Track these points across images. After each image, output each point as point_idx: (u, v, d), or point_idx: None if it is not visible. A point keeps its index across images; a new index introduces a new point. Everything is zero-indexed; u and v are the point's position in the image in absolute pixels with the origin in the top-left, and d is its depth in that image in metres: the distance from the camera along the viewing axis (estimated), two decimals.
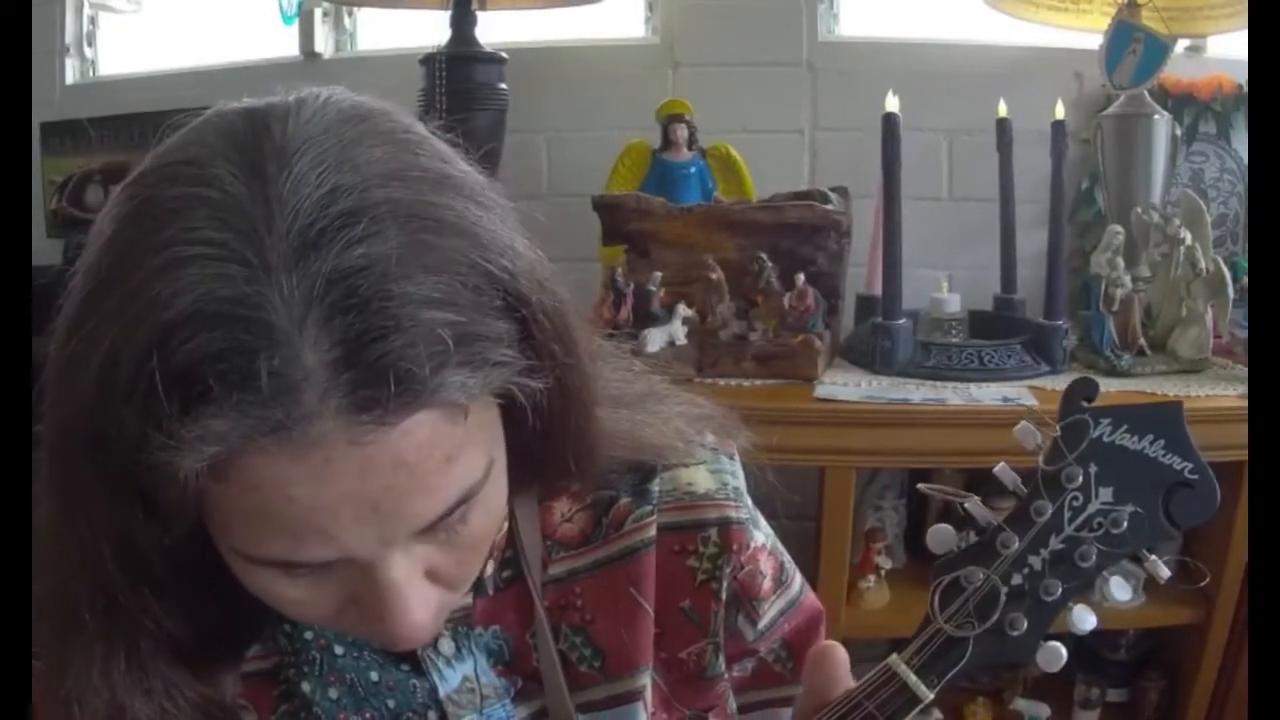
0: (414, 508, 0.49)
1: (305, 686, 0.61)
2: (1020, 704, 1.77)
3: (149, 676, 0.55)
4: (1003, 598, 0.56)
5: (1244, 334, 1.70)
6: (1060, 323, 1.69)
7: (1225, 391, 1.58)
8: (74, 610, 0.54)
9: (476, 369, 0.48)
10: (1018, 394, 1.59)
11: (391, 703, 0.63)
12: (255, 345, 0.44)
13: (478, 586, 0.65)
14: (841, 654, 0.60)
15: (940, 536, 0.57)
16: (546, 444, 0.57)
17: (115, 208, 0.50)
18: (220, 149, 0.49)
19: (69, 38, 2.40)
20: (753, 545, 0.72)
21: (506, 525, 0.66)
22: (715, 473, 0.72)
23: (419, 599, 0.52)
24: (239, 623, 0.59)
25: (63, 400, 0.49)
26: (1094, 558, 0.55)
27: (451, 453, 0.49)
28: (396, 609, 0.51)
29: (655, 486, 0.70)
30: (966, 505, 0.57)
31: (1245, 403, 1.51)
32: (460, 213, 0.50)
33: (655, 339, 1.65)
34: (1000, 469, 0.58)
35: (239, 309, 0.44)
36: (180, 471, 0.45)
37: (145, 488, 0.47)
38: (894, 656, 0.57)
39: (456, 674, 0.64)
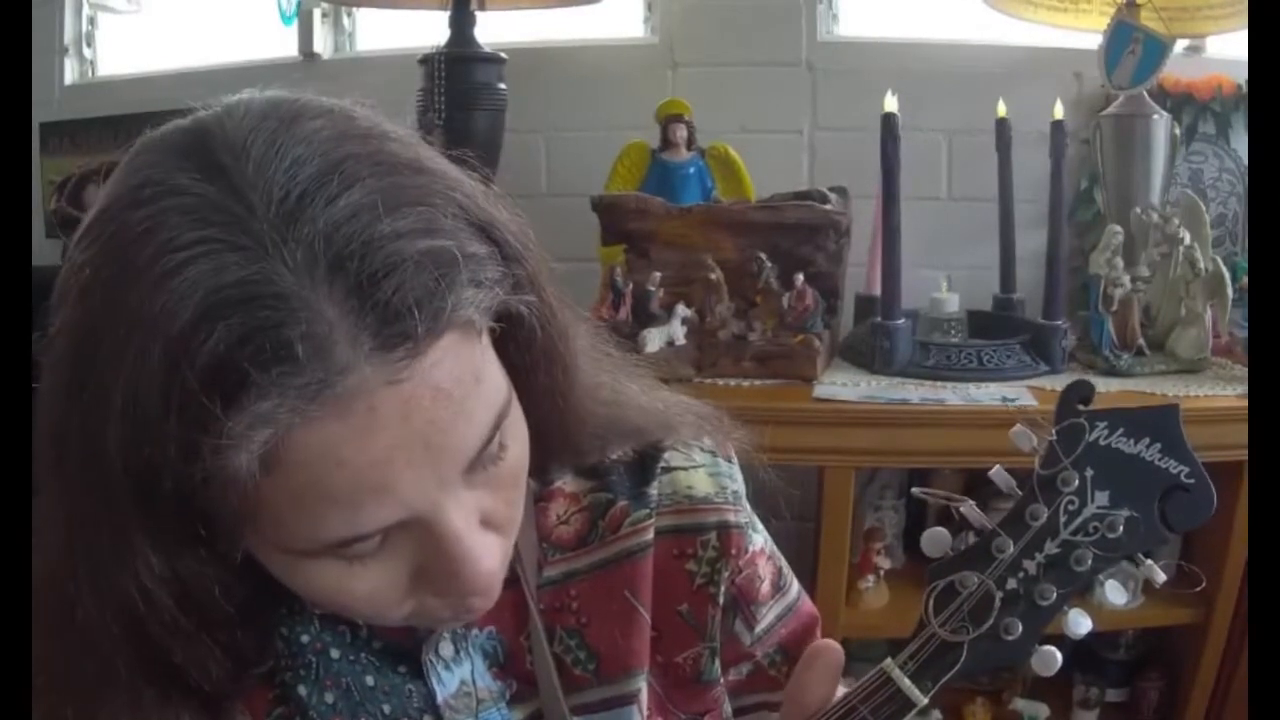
0: (459, 437, 0.50)
1: (301, 690, 0.61)
2: (1019, 704, 1.76)
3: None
4: (997, 602, 0.55)
5: (1243, 334, 1.70)
6: (1059, 323, 1.69)
7: (1224, 391, 1.58)
8: (102, 674, 0.53)
9: (480, 285, 0.49)
10: (1017, 394, 1.59)
11: (387, 707, 0.62)
12: (277, 318, 0.45)
13: None
14: (838, 655, 0.60)
15: (934, 540, 0.57)
16: (532, 380, 0.58)
17: (83, 254, 0.50)
18: (170, 162, 0.49)
19: (68, 38, 2.40)
20: (751, 549, 0.72)
21: None
22: (714, 476, 0.72)
23: (483, 546, 0.53)
24: (258, 647, 0.59)
25: (84, 458, 0.48)
26: (1089, 562, 0.55)
27: (478, 372, 0.51)
28: (467, 561, 0.52)
29: (654, 490, 0.69)
30: (961, 509, 0.57)
31: (1244, 403, 1.51)
32: (413, 154, 0.52)
33: (654, 339, 1.65)
34: (995, 472, 0.58)
35: (249, 290, 0.45)
36: (237, 471, 0.45)
37: (202, 508, 0.47)
38: (889, 661, 0.57)
39: (454, 677, 0.64)
